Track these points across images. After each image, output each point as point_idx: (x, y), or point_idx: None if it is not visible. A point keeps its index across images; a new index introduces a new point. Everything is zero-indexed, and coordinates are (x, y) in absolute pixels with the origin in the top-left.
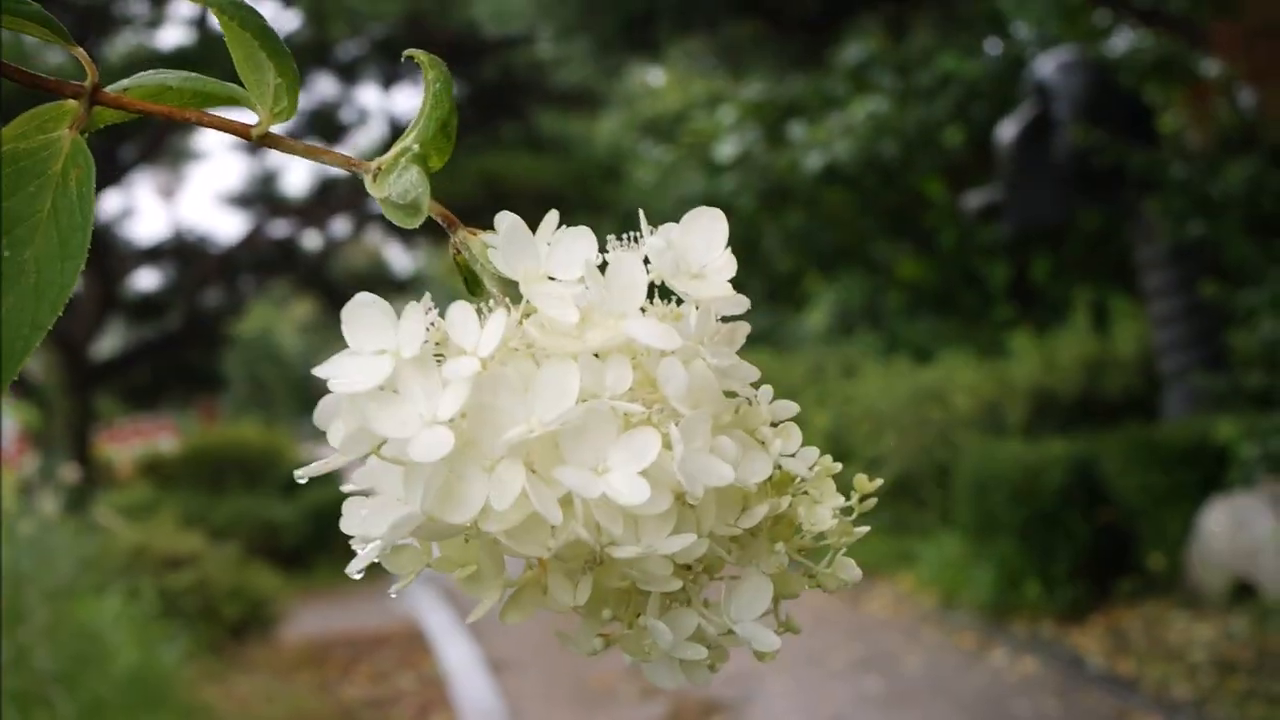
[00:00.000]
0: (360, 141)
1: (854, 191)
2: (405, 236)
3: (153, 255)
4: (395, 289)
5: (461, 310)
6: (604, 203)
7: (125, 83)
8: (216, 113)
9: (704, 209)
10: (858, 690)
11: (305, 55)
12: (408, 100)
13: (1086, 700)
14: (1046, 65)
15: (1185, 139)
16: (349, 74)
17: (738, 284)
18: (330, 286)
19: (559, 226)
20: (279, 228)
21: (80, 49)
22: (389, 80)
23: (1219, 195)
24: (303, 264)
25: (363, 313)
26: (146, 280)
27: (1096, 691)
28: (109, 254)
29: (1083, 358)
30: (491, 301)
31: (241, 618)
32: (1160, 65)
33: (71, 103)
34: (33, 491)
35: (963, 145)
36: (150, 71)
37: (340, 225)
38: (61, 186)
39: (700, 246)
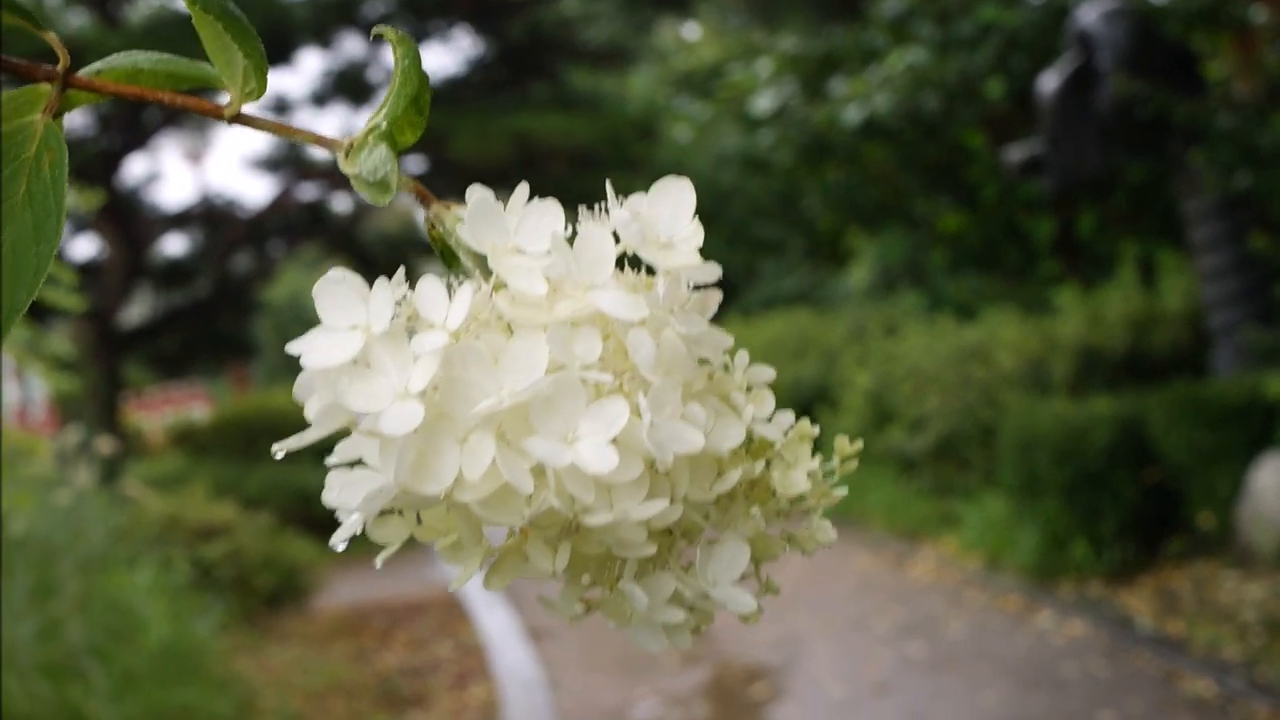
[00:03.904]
0: None
1: (894, 145)
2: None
3: (180, 220)
4: (426, 251)
5: (431, 284)
6: (638, 161)
7: (98, 65)
8: (189, 94)
9: (671, 178)
10: (902, 655)
11: (332, 14)
12: (435, 59)
13: (1135, 662)
14: (1089, 14)
15: (1231, 88)
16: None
17: (778, 241)
18: (361, 250)
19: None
20: (308, 191)
21: (52, 34)
22: (417, 39)
23: (1267, 145)
24: (333, 227)
25: (334, 289)
26: (174, 246)
27: (1145, 653)
28: (136, 220)
29: (1129, 314)
30: (465, 275)
31: (275, 588)
32: (1206, 12)
33: (45, 86)
34: (66, 462)
35: (1004, 97)
36: (122, 54)
37: None
38: (35, 171)
39: (667, 216)
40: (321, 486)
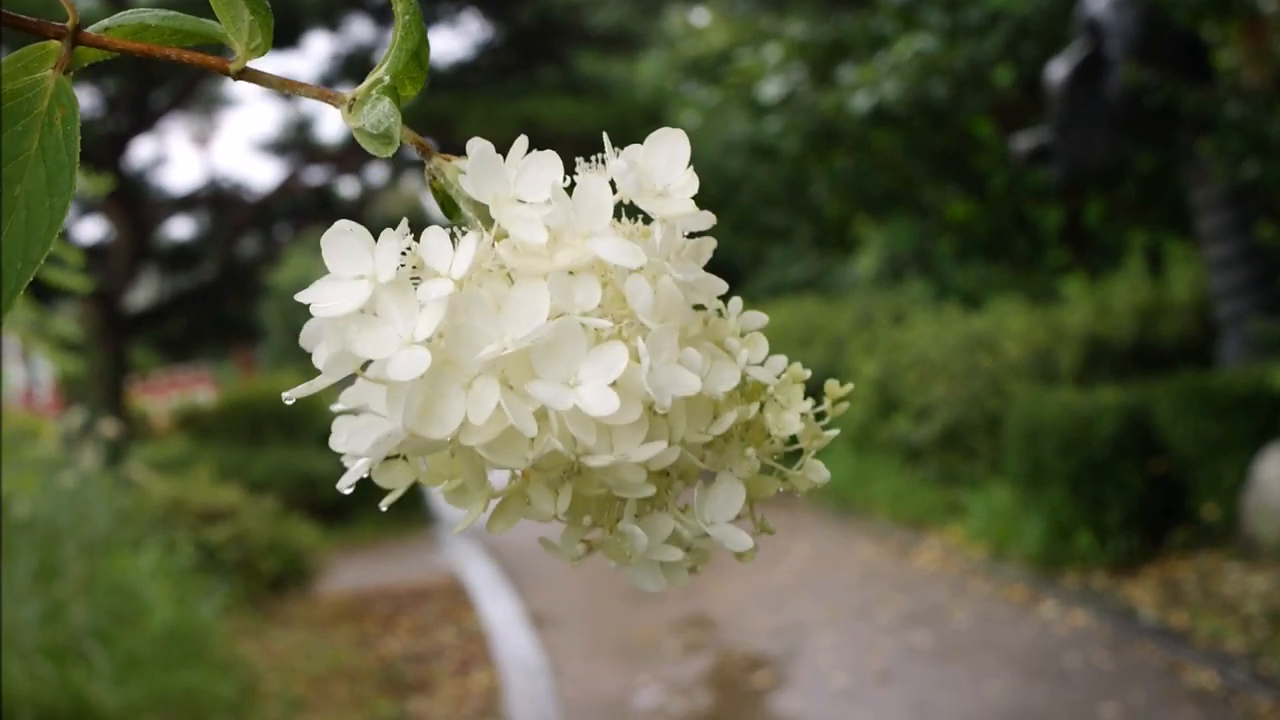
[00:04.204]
0: None
1: (902, 133)
2: None
3: (187, 204)
4: None
5: (435, 235)
6: None
7: (106, 22)
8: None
9: (665, 130)
10: (906, 644)
11: None
12: (444, 43)
13: (1138, 653)
14: (1099, 2)
15: (1241, 77)
16: (384, 17)
17: (785, 228)
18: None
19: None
20: (315, 174)
21: None
22: (425, 22)
23: (1275, 135)
24: (339, 211)
25: (341, 240)
26: (180, 229)
27: (1148, 644)
28: (142, 203)
29: (1136, 304)
30: (465, 225)
31: (280, 571)
32: (1216, 1)
33: (55, 43)
34: (72, 444)
35: (1012, 85)
36: (130, 10)
37: (377, 172)
38: (48, 126)
39: (663, 166)
40: (327, 472)
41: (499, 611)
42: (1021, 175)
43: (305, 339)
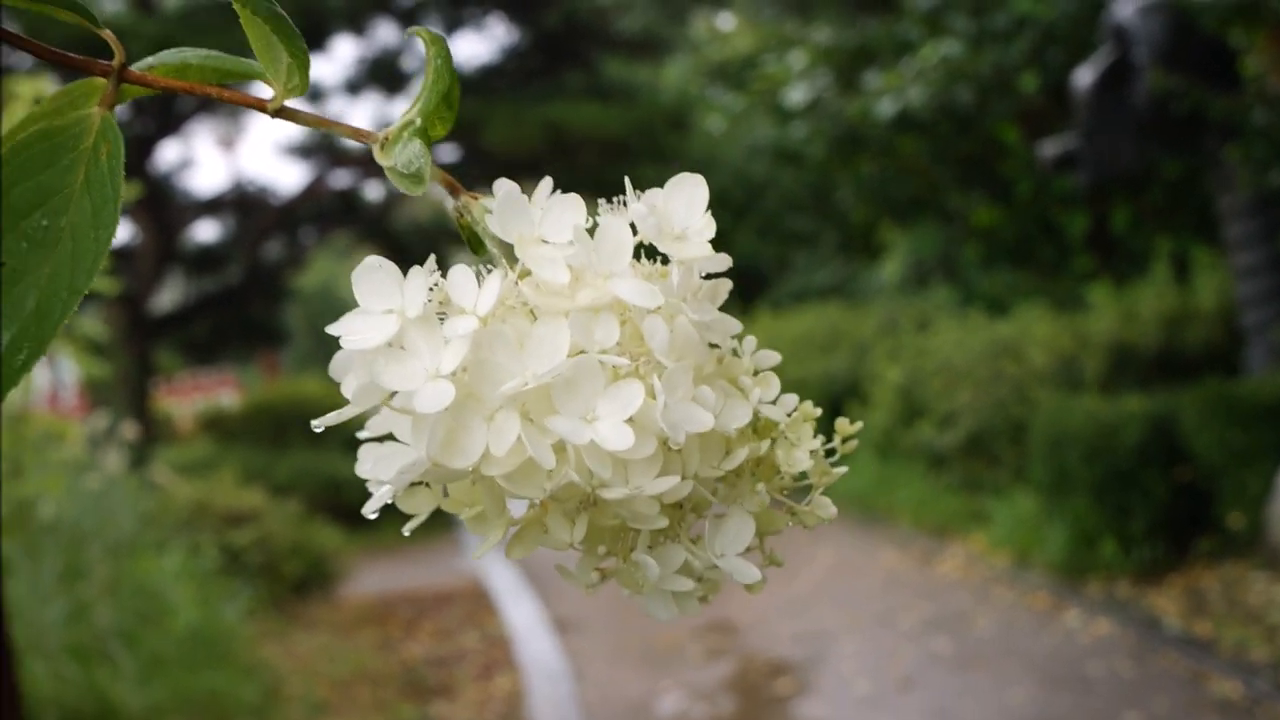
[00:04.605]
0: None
1: (928, 139)
2: (468, 187)
3: (213, 207)
4: (457, 239)
5: (462, 272)
6: (671, 152)
7: (150, 61)
8: (235, 88)
9: (685, 175)
10: (928, 651)
11: (367, 1)
12: (470, 47)
13: (1162, 662)
14: (1126, 7)
15: (1268, 83)
16: (410, 21)
17: (810, 234)
18: (393, 238)
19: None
20: (340, 178)
21: (108, 31)
22: (451, 26)
23: None
24: (365, 215)
25: (371, 275)
26: (206, 232)
27: (1172, 653)
28: (168, 206)
29: (1162, 311)
30: (491, 263)
31: (303, 575)
32: (1244, 7)
33: (101, 80)
34: (97, 446)
35: (1039, 91)
36: (173, 50)
37: None
38: (93, 160)
39: (682, 211)
40: (350, 476)
41: (521, 616)
42: (1048, 181)
43: (334, 369)
